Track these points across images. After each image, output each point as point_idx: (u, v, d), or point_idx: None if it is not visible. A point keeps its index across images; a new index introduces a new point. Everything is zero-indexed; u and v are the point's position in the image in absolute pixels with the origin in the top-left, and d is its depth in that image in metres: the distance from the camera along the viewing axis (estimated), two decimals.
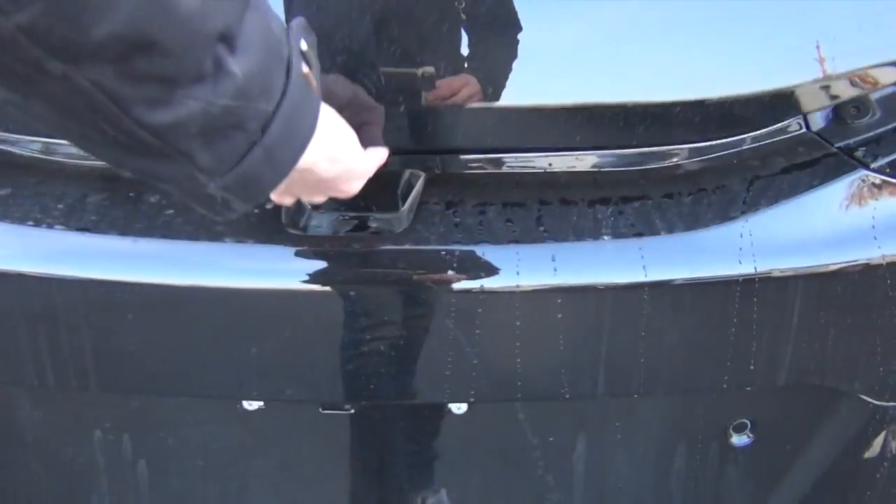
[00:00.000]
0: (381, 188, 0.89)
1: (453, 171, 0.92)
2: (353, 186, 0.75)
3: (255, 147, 0.56)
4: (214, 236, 0.85)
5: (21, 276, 0.84)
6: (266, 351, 0.88)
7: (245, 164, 0.56)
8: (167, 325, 0.88)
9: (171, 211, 0.87)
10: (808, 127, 0.97)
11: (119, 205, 0.87)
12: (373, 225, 0.87)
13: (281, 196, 0.74)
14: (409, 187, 0.88)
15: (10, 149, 0.91)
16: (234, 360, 0.89)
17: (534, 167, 0.93)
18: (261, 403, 0.94)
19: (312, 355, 0.89)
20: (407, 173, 0.89)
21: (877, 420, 1.00)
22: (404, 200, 0.87)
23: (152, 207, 0.88)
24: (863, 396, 0.98)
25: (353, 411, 0.97)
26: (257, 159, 0.56)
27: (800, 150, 0.96)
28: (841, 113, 0.96)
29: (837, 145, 0.95)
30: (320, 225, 0.86)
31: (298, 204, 0.87)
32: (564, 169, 0.93)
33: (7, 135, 0.91)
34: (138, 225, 0.85)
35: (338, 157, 0.69)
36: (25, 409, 0.98)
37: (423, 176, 0.89)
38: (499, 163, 0.93)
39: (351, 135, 0.71)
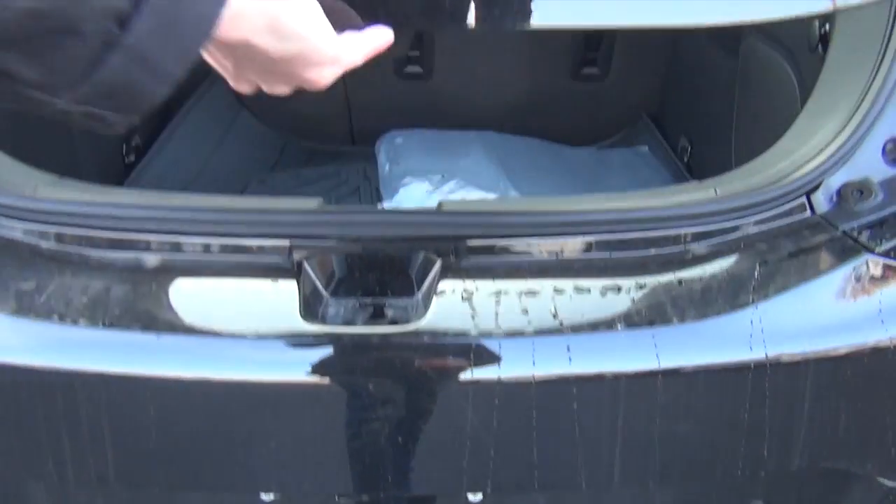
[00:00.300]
0: (397, 273, 0.91)
1: (467, 256, 0.94)
2: (322, 75, 0.60)
3: (111, 50, 0.45)
4: (235, 330, 0.86)
5: (42, 372, 0.85)
6: (284, 444, 0.88)
7: (102, 71, 0.46)
8: (187, 418, 0.88)
9: (194, 304, 0.89)
10: (812, 210, 0.99)
11: (141, 298, 0.89)
12: (389, 312, 0.88)
13: (236, 82, 0.62)
14: (425, 273, 0.90)
15: (35, 241, 0.92)
16: (254, 453, 0.89)
17: (545, 252, 0.94)
18: (278, 494, 0.95)
19: (330, 447, 0.89)
20: (421, 256, 0.91)
21: (891, 501, 1.00)
22: (420, 285, 0.88)
23: (174, 300, 0.89)
24: (877, 478, 0.98)
25: (368, 501, 0.97)
26: (119, 64, 0.46)
27: (805, 233, 0.97)
28: (844, 196, 0.98)
29: (842, 228, 0.97)
30: (337, 313, 0.87)
31: (315, 291, 0.88)
32: (576, 255, 0.95)
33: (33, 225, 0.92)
34: (161, 319, 0.87)
35: (286, 31, 0.55)
36: (42, 501, 0.98)
37: (438, 261, 0.90)
38: (511, 249, 0.94)
39: (312, 8, 0.57)
